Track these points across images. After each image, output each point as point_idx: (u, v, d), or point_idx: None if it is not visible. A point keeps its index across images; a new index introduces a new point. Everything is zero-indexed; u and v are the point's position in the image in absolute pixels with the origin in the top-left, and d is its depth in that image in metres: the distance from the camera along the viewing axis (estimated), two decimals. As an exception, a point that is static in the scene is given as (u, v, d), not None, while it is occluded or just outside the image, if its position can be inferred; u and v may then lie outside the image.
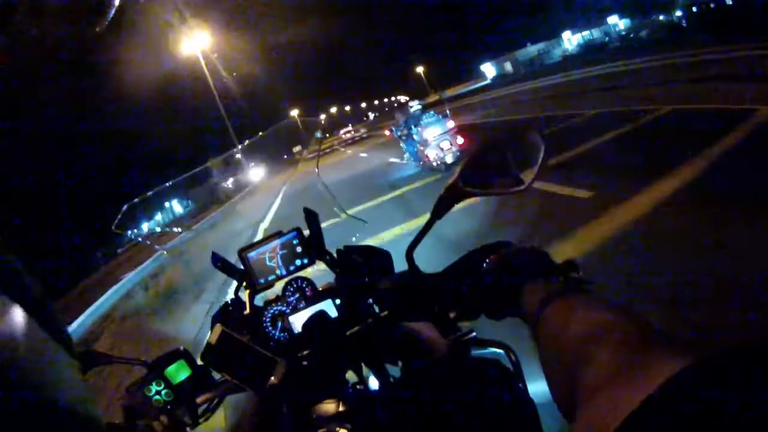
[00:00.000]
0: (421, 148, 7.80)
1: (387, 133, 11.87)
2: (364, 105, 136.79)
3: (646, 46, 18.08)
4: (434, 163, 7.57)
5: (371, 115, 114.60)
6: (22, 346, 0.17)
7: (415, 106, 9.52)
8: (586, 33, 40.17)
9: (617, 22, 37.54)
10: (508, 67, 45.75)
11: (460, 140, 7.56)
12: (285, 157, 46.23)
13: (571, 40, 41.83)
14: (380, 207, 7.01)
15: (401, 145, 9.46)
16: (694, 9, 25.80)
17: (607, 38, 36.09)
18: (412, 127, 8.20)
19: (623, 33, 34.38)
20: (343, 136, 48.32)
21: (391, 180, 8.89)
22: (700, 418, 0.22)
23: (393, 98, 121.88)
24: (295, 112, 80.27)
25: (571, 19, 41.98)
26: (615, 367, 0.33)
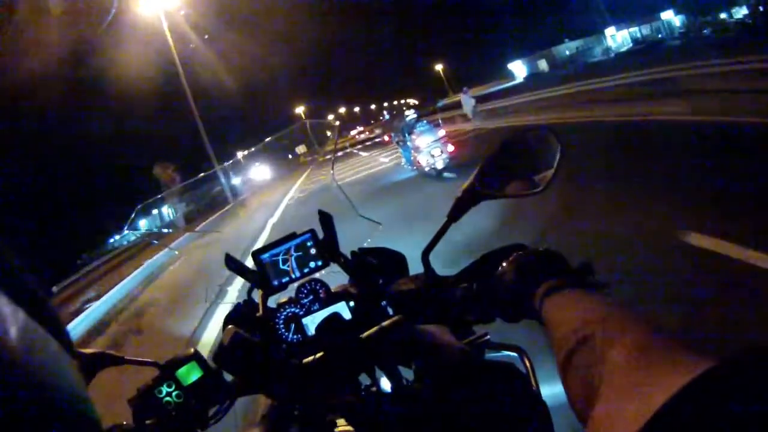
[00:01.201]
0: (414, 154, 8.33)
1: (386, 138, 12.15)
2: (374, 106, 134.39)
3: (715, 46, 14.87)
4: (426, 169, 8.11)
5: (386, 115, 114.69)
6: (21, 345, 0.17)
7: (410, 114, 10.05)
8: (633, 29, 36.94)
9: (671, 19, 34.29)
10: (542, 65, 42.18)
11: (450, 148, 8.03)
12: (290, 156, 41.47)
13: (615, 37, 38.61)
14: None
15: (399, 150, 10.28)
16: (761, 8, 23.36)
17: (660, 35, 33.02)
18: (407, 134, 8.68)
19: (682, 30, 31.26)
20: (357, 136, 47.46)
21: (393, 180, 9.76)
22: (726, 421, 0.21)
23: (404, 101, 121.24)
24: (300, 109, 74.58)
25: (614, 14, 38.67)
26: (632, 369, 0.33)
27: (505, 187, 0.70)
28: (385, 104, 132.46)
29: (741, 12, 25.81)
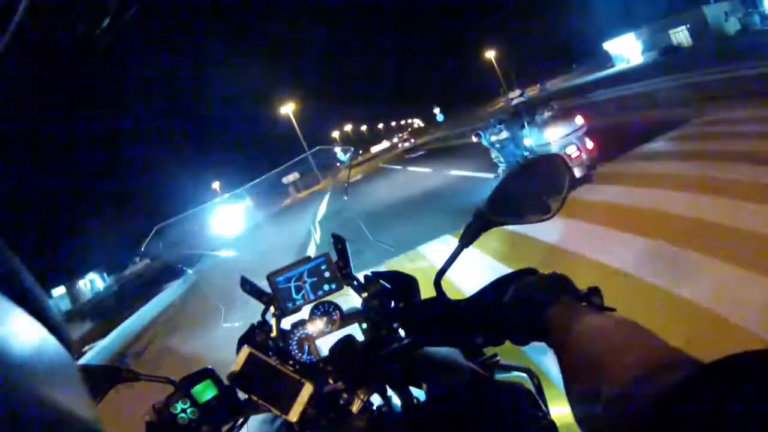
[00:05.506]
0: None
1: (474, 139, 8.57)
2: (381, 126, 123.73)
3: None
4: None
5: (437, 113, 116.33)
6: (21, 346, 0.18)
7: (517, 96, 6.90)
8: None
9: None
10: (681, 37, 30.60)
11: (589, 144, 5.34)
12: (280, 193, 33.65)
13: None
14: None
15: (493, 155, 6.84)
16: None
17: None
18: (525, 125, 5.85)
19: None
20: (400, 145, 44.40)
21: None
22: (717, 418, 0.23)
23: (408, 121, 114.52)
24: (289, 108, 41.88)
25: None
26: (633, 380, 0.35)
27: (515, 212, 0.74)
28: (393, 124, 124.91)
29: None
